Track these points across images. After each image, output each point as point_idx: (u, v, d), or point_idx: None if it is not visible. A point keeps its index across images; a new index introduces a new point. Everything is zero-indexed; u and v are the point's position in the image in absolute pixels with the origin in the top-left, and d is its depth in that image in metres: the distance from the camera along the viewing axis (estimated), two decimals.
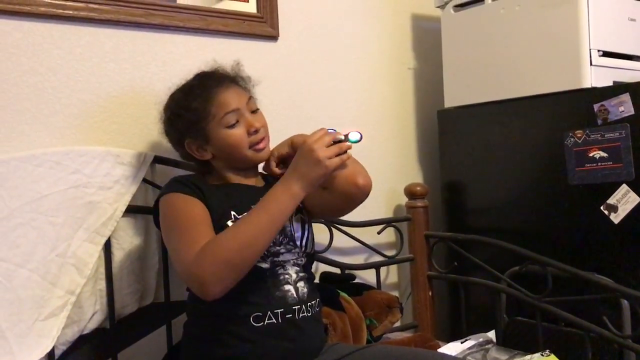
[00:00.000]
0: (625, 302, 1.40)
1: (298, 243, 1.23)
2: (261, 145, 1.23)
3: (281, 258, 1.20)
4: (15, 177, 1.21)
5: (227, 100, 1.21)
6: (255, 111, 1.25)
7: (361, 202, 1.25)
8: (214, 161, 1.26)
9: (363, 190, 1.21)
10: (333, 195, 1.23)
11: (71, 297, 1.25)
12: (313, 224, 1.30)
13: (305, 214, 1.28)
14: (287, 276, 1.19)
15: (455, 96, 1.87)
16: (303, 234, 1.25)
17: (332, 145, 1.13)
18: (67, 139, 1.36)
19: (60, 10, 1.34)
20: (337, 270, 1.69)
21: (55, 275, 1.24)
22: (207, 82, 1.24)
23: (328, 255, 1.68)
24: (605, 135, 1.48)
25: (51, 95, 1.34)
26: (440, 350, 1.50)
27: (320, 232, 1.65)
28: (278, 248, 1.20)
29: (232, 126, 1.21)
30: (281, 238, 1.21)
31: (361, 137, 1.16)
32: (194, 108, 1.20)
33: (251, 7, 1.65)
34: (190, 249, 1.07)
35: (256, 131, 1.22)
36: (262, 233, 1.09)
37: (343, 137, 1.14)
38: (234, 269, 1.06)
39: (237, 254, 1.06)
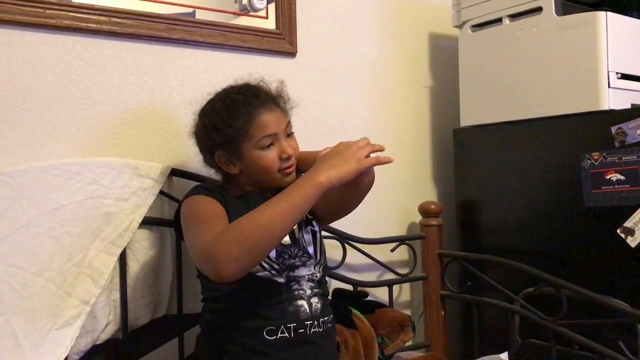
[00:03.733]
0: None
1: (312, 253, 1.25)
2: (289, 172, 1.24)
3: (296, 273, 1.21)
4: (34, 187, 1.23)
5: (267, 123, 1.21)
6: (290, 135, 1.26)
7: (366, 192, 1.26)
8: (239, 175, 1.27)
9: (367, 176, 1.22)
10: (339, 189, 1.20)
11: (86, 307, 1.25)
12: (327, 241, 1.30)
13: (315, 224, 1.30)
14: (301, 291, 1.19)
15: (471, 115, 1.87)
16: (315, 244, 1.27)
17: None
18: (87, 150, 1.37)
19: (84, 24, 1.36)
20: (350, 287, 1.69)
21: (71, 284, 1.25)
22: (251, 100, 1.22)
23: (341, 271, 1.68)
24: (623, 158, 1.47)
25: (72, 106, 1.37)
26: None
27: (333, 248, 1.65)
28: (293, 261, 1.21)
29: (265, 148, 1.21)
30: (296, 250, 1.22)
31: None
32: (234, 126, 1.20)
33: (270, 24, 1.67)
34: (208, 235, 1.06)
35: (288, 158, 1.23)
36: (281, 216, 1.05)
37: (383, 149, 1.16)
38: (249, 250, 1.03)
39: (253, 234, 1.03)
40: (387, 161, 1.16)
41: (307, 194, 1.07)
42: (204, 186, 1.28)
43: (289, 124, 1.26)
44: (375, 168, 1.24)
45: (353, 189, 1.24)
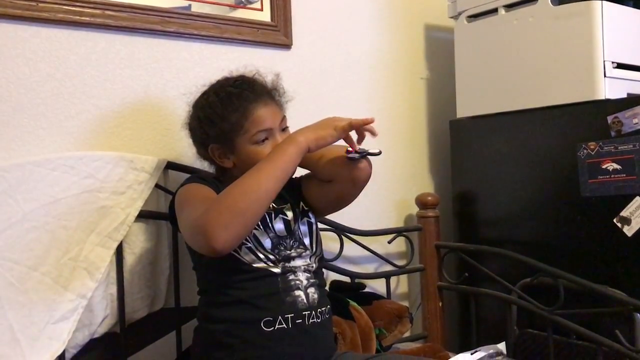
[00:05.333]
0: (638, 315, 1.39)
1: (308, 245, 1.25)
2: None
3: (292, 264, 1.21)
4: (29, 181, 1.23)
5: (262, 118, 1.20)
6: (285, 129, 1.25)
7: (363, 185, 1.26)
8: (233, 169, 1.25)
9: (365, 171, 1.23)
10: (337, 184, 1.25)
11: (82, 301, 1.25)
12: (325, 233, 1.30)
13: (311, 216, 1.30)
14: (297, 282, 1.19)
15: (467, 106, 1.87)
16: (311, 236, 1.27)
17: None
18: (82, 143, 1.37)
19: (78, 17, 1.36)
20: (347, 279, 1.69)
21: (67, 278, 1.24)
22: (246, 93, 1.22)
23: (338, 264, 1.68)
24: (619, 148, 1.47)
25: (67, 100, 1.36)
26: None
27: (330, 240, 1.65)
28: (289, 252, 1.21)
29: (260, 143, 1.20)
30: (291, 242, 1.22)
31: (380, 152, 1.21)
32: (228, 120, 1.20)
33: (265, 16, 1.67)
34: (199, 213, 1.07)
35: None
36: (265, 178, 1.09)
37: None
38: (239, 215, 1.05)
39: (241, 198, 1.06)
40: (364, 122, 1.17)
41: (287, 154, 1.12)
42: (198, 176, 1.28)
43: (284, 118, 1.26)
44: (373, 162, 1.24)
45: (350, 184, 1.25)
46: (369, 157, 1.21)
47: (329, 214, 1.42)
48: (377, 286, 1.81)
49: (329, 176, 1.25)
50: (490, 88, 1.79)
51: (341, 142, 1.20)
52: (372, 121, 1.18)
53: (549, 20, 1.62)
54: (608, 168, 1.49)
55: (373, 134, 1.19)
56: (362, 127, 1.18)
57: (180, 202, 1.19)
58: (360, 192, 1.29)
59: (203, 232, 1.04)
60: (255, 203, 1.07)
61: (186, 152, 1.44)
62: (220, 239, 1.03)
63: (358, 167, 1.21)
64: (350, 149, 1.19)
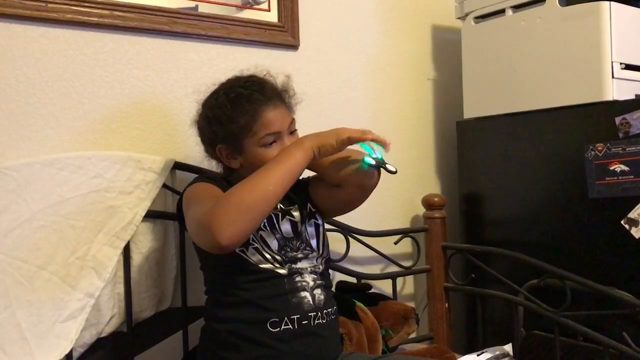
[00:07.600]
0: None
1: (314, 246, 1.25)
2: None
3: (299, 265, 1.21)
4: (38, 180, 1.23)
5: (271, 121, 1.20)
6: (293, 132, 1.25)
7: (371, 191, 1.27)
8: (240, 170, 1.25)
9: (373, 179, 1.24)
10: (345, 189, 1.25)
11: (90, 300, 1.26)
12: (331, 233, 1.30)
13: (318, 217, 1.30)
14: (304, 283, 1.20)
15: (474, 107, 1.86)
16: (318, 237, 1.28)
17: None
18: (90, 143, 1.38)
19: (86, 18, 1.37)
20: (353, 280, 1.69)
21: (75, 278, 1.25)
22: (256, 95, 1.21)
23: (344, 264, 1.68)
24: (627, 149, 1.47)
25: (75, 100, 1.37)
26: None
27: (337, 241, 1.65)
28: (295, 253, 1.21)
29: (268, 146, 1.20)
30: (298, 243, 1.23)
31: (396, 171, 1.19)
32: (237, 122, 1.20)
33: (272, 17, 1.67)
34: (206, 209, 1.08)
35: None
36: (273, 177, 1.10)
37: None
38: (246, 211, 1.06)
39: (249, 195, 1.07)
40: (362, 139, 1.17)
41: (295, 158, 1.14)
42: (205, 176, 1.29)
43: (293, 121, 1.26)
44: None
45: (357, 189, 1.25)
46: (381, 168, 1.20)
47: (336, 216, 1.42)
48: (383, 287, 1.81)
49: (337, 181, 1.25)
50: (498, 89, 1.78)
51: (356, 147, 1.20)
52: (369, 139, 1.17)
53: (556, 21, 1.62)
54: (616, 169, 1.49)
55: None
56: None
57: (188, 201, 1.19)
58: (367, 197, 1.29)
59: (209, 227, 1.04)
60: (262, 201, 1.08)
61: (194, 152, 1.44)
62: (225, 235, 1.03)
63: (367, 174, 1.21)
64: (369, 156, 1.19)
